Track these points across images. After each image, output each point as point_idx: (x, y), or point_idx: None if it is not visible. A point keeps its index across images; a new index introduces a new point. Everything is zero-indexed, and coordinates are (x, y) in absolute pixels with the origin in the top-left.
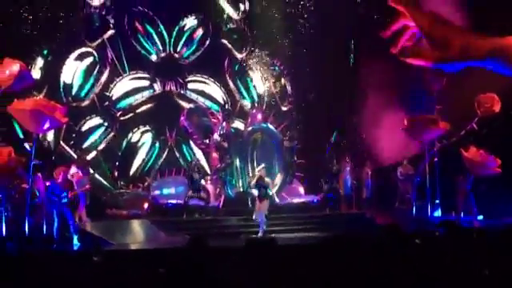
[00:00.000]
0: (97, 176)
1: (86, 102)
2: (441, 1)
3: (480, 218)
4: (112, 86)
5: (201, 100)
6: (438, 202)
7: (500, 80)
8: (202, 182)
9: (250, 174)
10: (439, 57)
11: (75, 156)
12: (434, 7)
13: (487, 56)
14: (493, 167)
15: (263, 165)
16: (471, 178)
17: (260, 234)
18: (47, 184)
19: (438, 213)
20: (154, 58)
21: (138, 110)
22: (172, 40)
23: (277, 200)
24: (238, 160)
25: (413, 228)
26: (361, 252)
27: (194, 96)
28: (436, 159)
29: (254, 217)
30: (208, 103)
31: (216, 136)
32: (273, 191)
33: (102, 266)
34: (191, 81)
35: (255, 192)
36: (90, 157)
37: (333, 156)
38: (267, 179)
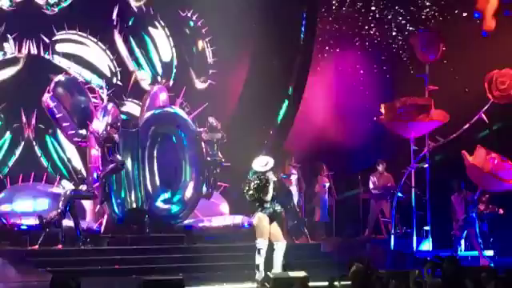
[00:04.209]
0: None
1: None
2: None
3: (488, 253)
4: None
5: (75, 69)
6: (427, 228)
7: None
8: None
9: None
10: None
11: None
12: None
13: None
14: (510, 179)
15: (267, 159)
16: (477, 195)
17: (258, 278)
18: None
19: (426, 245)
20: (4, 3)
21: None
22: None
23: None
24: (130, 161)
25: (389, 267)
26: None
27: (64, 63)
28: (426, 165)
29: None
30: (86, 74)
31: (97, 124)
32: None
33: None
34: (61, 40)
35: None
36: None
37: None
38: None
